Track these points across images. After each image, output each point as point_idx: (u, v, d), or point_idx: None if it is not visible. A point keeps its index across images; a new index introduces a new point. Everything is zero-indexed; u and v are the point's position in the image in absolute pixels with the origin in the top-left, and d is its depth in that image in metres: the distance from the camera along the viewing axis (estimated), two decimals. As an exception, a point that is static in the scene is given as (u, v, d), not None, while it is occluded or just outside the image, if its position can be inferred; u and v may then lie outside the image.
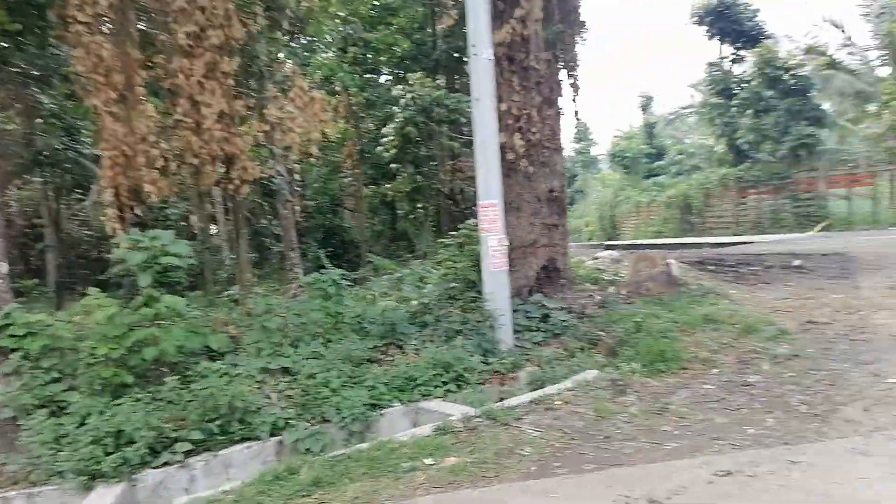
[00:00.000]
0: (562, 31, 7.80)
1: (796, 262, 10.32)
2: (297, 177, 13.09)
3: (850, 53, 26.18)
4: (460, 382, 5.72)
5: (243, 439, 4.92)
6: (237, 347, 6.20)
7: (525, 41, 7.41)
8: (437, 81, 14.34)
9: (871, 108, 24.06)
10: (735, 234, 18.53)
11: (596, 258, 9.97)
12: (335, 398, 5.29)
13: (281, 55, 10.56)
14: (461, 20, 8.26)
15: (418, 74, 13.78)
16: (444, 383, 5.65)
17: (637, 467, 3.70)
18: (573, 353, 6.30)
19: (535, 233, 7.46)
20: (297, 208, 12.47)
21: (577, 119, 8.12)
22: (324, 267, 8.26)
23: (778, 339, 6.08)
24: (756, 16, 23.81)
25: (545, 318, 6.92)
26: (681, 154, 33.64)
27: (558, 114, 7.76)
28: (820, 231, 16.42)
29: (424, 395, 5.51)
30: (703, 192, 21.66)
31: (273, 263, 14.49)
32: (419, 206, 14.54)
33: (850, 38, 26.20)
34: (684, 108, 36.96)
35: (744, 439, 3.96)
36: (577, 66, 8.01)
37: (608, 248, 14.16)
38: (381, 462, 4.04)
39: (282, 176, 11.45)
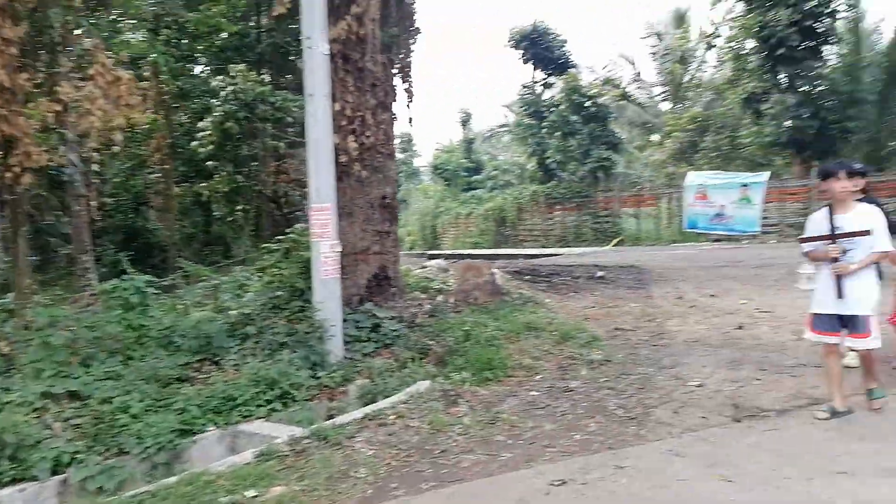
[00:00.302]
0: (398, 35, 7.71)
1: (599, 274, 11.31)
2: (94, 168, 11.46)
3: (639, 88, 29.90)
4: (286, 400, 5.30)
5: (15, 480, 4.06)
6: (11, 368, 5.17)
7: (361, 40, 7.18)
8: (262, 76, 13.54)
9: (655, 137, 27.60)
10: (544, 247, 19.99)
11: (424, 267, 10.02)
12: (136, 425, 4.58)
13: (79, 30, 9.16)
14: (289, 14, 7.77)
15: (241, 67, 12.89)
16: (268, 402, 5.19)
17: (476, 483, 3.64)
18: (404, 364, 6.17)
19: (367, 240, 7.24)
20: (93, 204, 10.89)
21: (411, 126, 8.11)
22: (125, 272, 7.26)
23: (591, 346, 6.51)
24: (564, 46, 25.99)
25: (376, 327, 6.72)
26: (496, 170, 35.63)
27: (392, 119, 7.64)
28: (615, 246, 18.29)
29: (245, 417, 5.00)
30: (516, 207, 23.08)
31: (60, 268, 12.57)
32: (238, 208, 13.55)
33: (639, 74, 29.99)
34: (500, 127, 39.45)
35: (572, 446, 4.10)
36: (411, 72, 7.97)
37: (432, 257, 14.41)
38: (192, 498, 3.54)
39: (75, 166, 9.95)
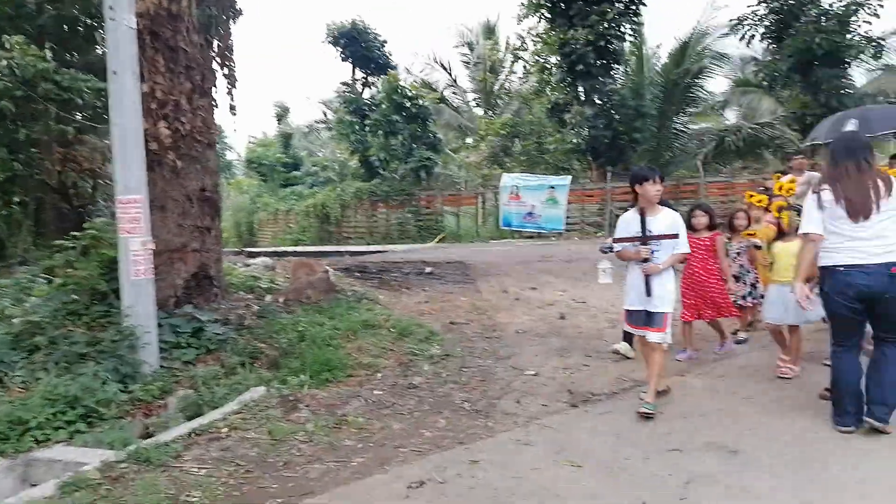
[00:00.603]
0: (216, 15, 7.08)
1: (428, 269, 11.48)
2: None
3: (454, 93, 31.09)
4: (92, 419, 4.57)
5: None
6: None
7: (174, 17, 6.48)
8: (44, 52, 11.67)
9: (470, 140, 28.87)
10: (369, 244, 19.89)
11: (248, 265, 9.35)
12: None
13: None
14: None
15: (17, 39, 10.97)
16: (70, 423, 4.44)
17: (329, 493, 3.40)
18: (233, 370, 5.66)
19: (184, 236, 6.54)
20: None
21: (234, 114, 7.45)
22: None
23: (430, 341, 6.52)
24: (384, 46, 26.10)
25: (198, 332, 6.09)
26: (316, 166, 34.77)
27: (211, 105, 7.00)
28: (437, 242, 18.77)
29: (41, 442, 4.22)
30: (339, 204, 22.68)
31: None
32: (15, 200, 11.52)
33: (454, 80, 31.14)
34: (319, 122, 38.52)
35: (424, 444, 4.02)
36: (233, 55, 7.37)
37: (251, 254, 13.57)
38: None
39: None
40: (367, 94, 26.69)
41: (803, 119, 18.34)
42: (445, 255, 13.78)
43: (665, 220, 4.42)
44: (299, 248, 18.73)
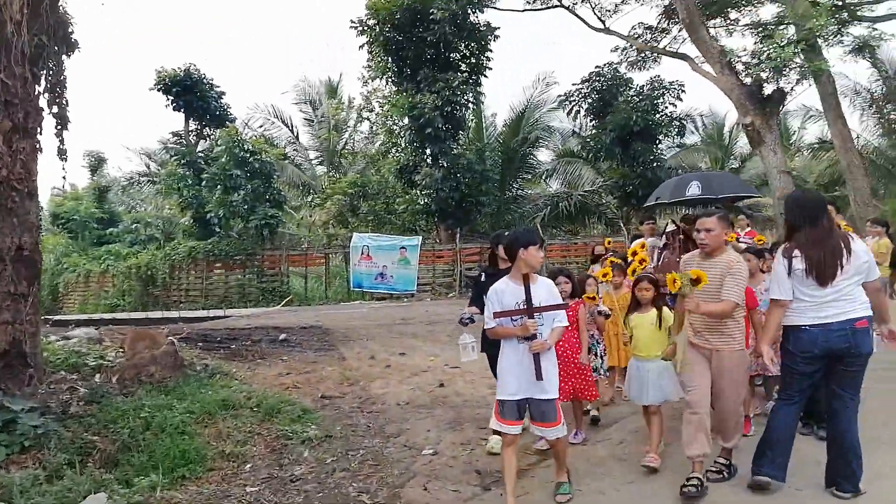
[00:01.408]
0: (46, 46, 6.04)
1: (283, 336, 10.59)
2: None
3: (295, 150, 30.34)
4: None
5: None
6: None
7: (-10, 42, 5.40)
8: None
9: (312, 199, 28.11)
10: (205, 308, 18.17)
11: (68, 337, 7.85)
12: None
13: None
14: None
15: None
16: None
17: None
18: (58, 472, 4.52)
19: (-8, 306, 5.27)
20: None
21: (64, 159, 6.12)
22: None
23: (303, 420, 5.81)
24: (221, 98, 24.88)
25: (9, 424, 4.84)
26: (137, 223, 31.63)
27: (35, 148, 5.86)
28: (284, 306, 17.66)
29: None
30: (168, 264, 20.61)
31: None
32: None
33: (297, 137, 30.47)
34: (141, 175, 35.31)
35: (327, 552, 3.38)
36: (65, 93, 6.31)
37: (57, 323, 11.64)
38: None
39: None
40: (202, 146, 25.10)
41: (624, 188, 20.34)
42: (297, 319, 12.92)
43: (544, 288, 3.87)
44: (120, 315, 16.57)
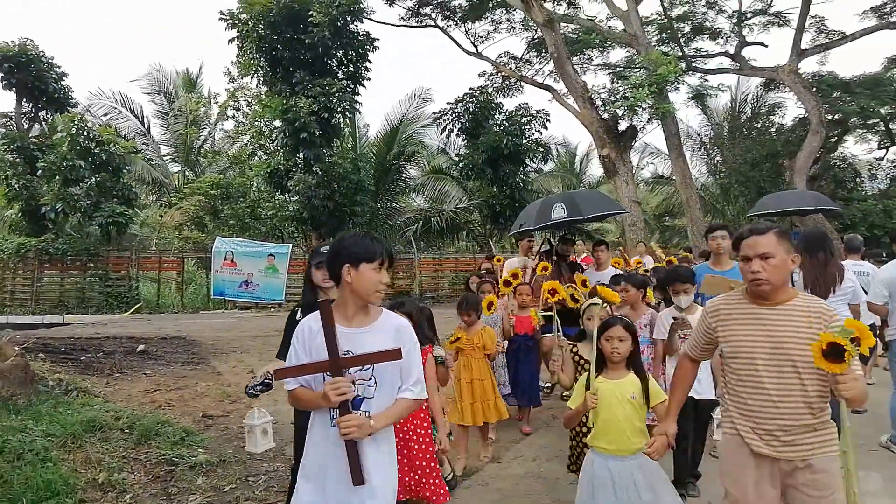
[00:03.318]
0: None
1: (141, 347, 9.64)
2: None
3: (145, 143, 27.93)
4: None
5: None
6: None
7: None
8: None
9: (164, 198, 26.00)
10: (35, 314, 15.99)
11: None
12: None
13: None
14: None
15: None
16: None
17: None
18: None
19: None
20: None
21: None
22: None
23: (188, 443, 5.30)
24: (62, 80, 22.30)
25: None
26: (-56, 212, 27.28)
27: None
28: (133, 313, 16.07)
29: None
30: (-7, 263, 17.97)
31: None
32: None
33: (147, 130, 28.05)
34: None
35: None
36: None
37: None
38: None
39: None
40: (35, 131, 22.24)
41: (492, 207, 21.11)
42: (154, 328, 11.83)
43: (385, 332, 2.42)
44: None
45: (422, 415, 3.64)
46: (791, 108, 40.77)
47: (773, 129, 24.98)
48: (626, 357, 3.18)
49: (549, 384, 7.46)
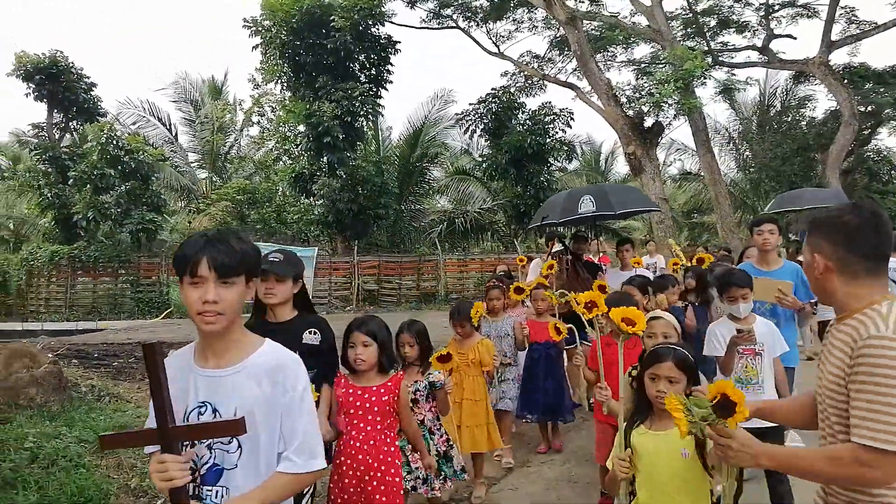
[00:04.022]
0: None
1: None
2: None
3: (173, 151, 28.41)
4: None
5: None
6: None
7: None
8: None
9: (192, 204, 26.42)
10: (70, 320, 16.36)
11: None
12: None
13: None
14: None
15: None
16: None
17: None
18: (-77, 523, 3.79)
19: None
20: None
21: None
22: None
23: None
24: (92, 90, 22.80)
25: None
26: (-17, 223, 28.10)
27: None
28: (165, 318, 16.34)
29: None
30: (25, 270, 18.40)
31: None
32: None
33: (176, 137, 28.53)
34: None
35: None
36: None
37: None
38: None
39: None
40: (66, 141, 22.79)
41: (516, 207, 21.00)
42: (185, 333, 11.97)
43: (254, 374, 1.76)
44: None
45: (385, 448, 3.05)
46: (822, 101, 40.10)
47: (804, 123, 24.44)
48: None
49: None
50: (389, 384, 3.10)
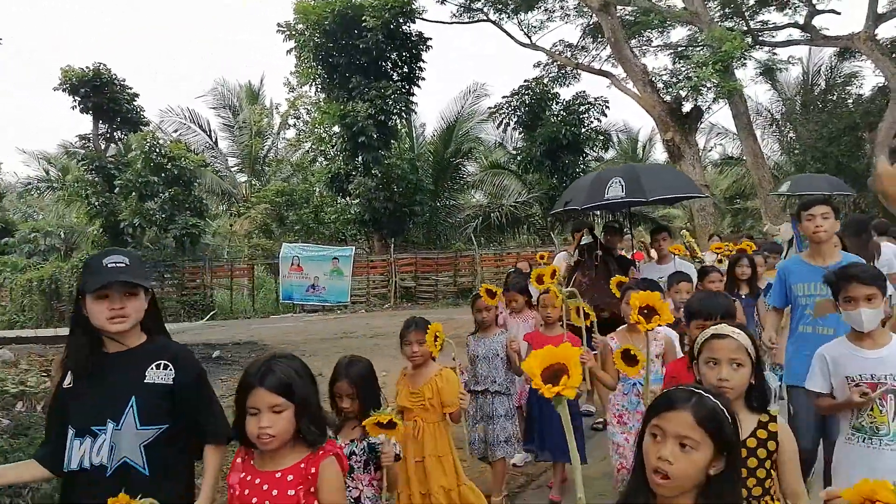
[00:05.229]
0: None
1: (216, 353, 9.99)
2: None
3: (213, 156, 29.07)
4: None
5: None
6: None
7: None
8: None
9: (233, 208, 27.01)
10: (120, 324, 16.89)
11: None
12: None
13: None
14: None
15: None
16: None
17: None
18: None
19: None
20: None
21: None
22: None
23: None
24: (135, 100, 23.46)
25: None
26: (36, 232, 29.22)
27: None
28: (209, 320, 16.75)
29: None
30: (75, 277, 19.08)
31: None
32: None
33: (215, 143, 29.18)
34: (39, 181, 32.74)
35: None
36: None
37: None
38: None
39: None
40: (111, 150, 23.53)
41: (552, 199, 20.77)
42: (228, 335, 12.25)
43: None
44: (24, 333, 15.15)
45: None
46: (869, 77, 38.46)
47: (851, 101, 23.50)
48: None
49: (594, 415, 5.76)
50: (303, 466, 1.99)
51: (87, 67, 22.22)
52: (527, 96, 21.13)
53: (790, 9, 22.25)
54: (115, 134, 23.77)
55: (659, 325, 2.70)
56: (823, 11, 21.57)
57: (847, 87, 24.03)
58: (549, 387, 1.42)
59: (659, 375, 3.24)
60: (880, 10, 19.07)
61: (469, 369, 4.15)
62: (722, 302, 2.94)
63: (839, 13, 21.41)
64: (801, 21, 21.78)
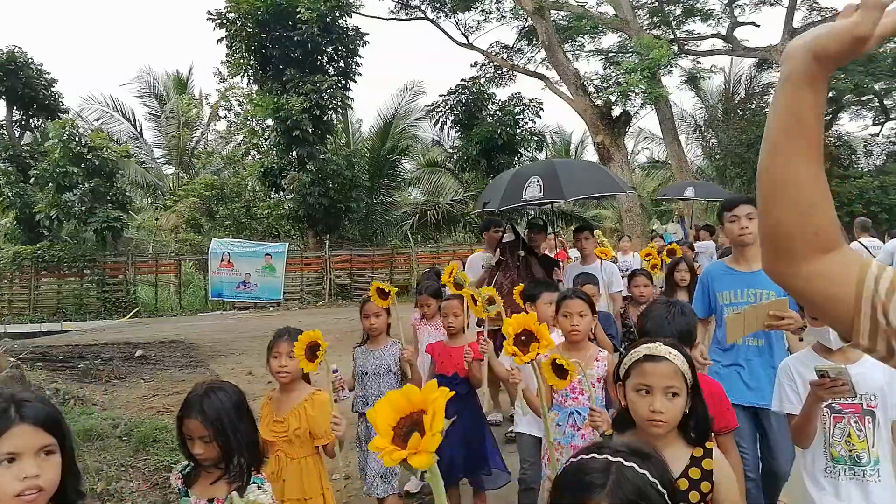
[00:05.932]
0: None
1: (139, 352, 9.62)
2: None
3: (138, 147, 27.84)
4: None
5: None
6: None
7: None
8: None
9: (158, 201, 25.93)
10: (33, 322, 15.98)
11: None
12: None
13: None
14: None
15: None
16: None
17: None
18: None
19: None
20: None
21: None
22: None
23: (186, 448, 5.26)
24: (53, 86, 22.21)
25: None
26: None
27: None
28: (131, 318, 16.06)
29: None
30: (-13, 272, 17.95)
31: None
32: None
33: (141, 133, 27.94)
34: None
35: None
36: None
37: None
38: None
39: None
40: (27, 138, 22.19)
41: (488, 198, 21.05)
42: (152, 333, 11.81)
43: None
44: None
45: None
46: (785, 88, 40.69)
47: (768, 110, 24.83)
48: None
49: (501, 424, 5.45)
50: None
51: (0, 50, 20.90)
52: (463, 95, 21.28)
53: (713, 20, 23.36)
54: (30, 121, 22.47)
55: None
56: (744, 24, 22.76)
57: (765, 97, 25.38)
58: (396, 450, 0.87)
59: (602, 402, 2.86)
60: (795, 24, 20.29)
61: (356, 386, 3.67)
62: (685, 321, 2.50)
63: (759, 26, 22.66)
64: (724, 32, 22.90)
